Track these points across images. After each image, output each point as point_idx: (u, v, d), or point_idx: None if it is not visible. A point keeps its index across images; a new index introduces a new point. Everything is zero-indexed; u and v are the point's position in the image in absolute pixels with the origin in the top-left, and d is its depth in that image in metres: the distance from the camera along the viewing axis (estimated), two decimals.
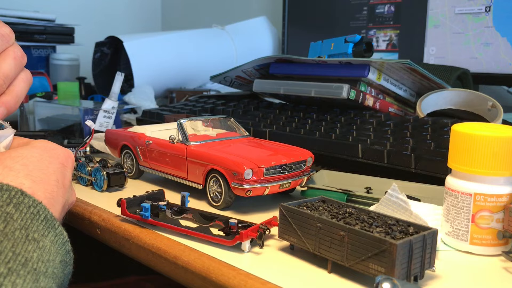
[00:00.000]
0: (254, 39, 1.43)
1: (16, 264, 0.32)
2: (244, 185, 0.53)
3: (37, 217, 0.36)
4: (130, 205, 0.52)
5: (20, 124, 0.99)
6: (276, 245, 0.47)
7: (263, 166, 0.54)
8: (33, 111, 0.99)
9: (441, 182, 0.51)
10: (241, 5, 1.64)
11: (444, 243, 0.47)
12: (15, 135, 0.47)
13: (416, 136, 0.65)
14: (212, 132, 0.65)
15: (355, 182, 0.60)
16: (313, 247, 0.42)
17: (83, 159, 0.67)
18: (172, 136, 0.62)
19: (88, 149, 0.79)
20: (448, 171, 0.47)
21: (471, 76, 0.93)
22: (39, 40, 1.33)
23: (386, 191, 0.47)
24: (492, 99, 0.75)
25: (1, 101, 0.48)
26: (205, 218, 0.52)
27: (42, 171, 0.41)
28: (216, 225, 0.50)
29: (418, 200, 0.52)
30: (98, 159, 0.67)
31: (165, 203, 0.53)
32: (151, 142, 0.65)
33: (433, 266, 0.40)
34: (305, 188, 0.58)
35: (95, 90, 1.32)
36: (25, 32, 1.30)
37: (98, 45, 1.31)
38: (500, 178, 0.44)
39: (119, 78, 0.89)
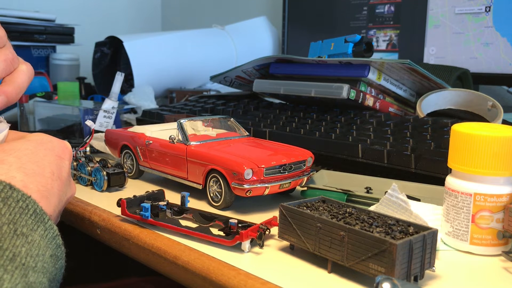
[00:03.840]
0: (254, 39, 1.43)
1: (3, 260, 0.31)
2: (244, 185, 0.53)
3: (26, 211, 0.36)
4: (130, 205, 0.52)
5: (20, 124, 0.99)
6: (276, 245, 0.47)
7: (263, 166, 0.54)
8: (33, 111, 0.99)
9: (441, 182, 0.51)
10: (241, 5, 1.64)
11: (444, 243, 0.47)
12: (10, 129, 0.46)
13: (416, 136, 0.65)
14: (212, 132, 0.65)
15: (355, 182, 0.60)
16: (313, 247, 0.42)
17: (83, 159, 0.67)
18: (172, 136, 0.62)
19: (88, 149, 0.79)
20: (448, 171, 0.47)
21: (471, 76, 0.93)
22: (39, 40, 1.33)
23: (386, 191, 0.47)
24: (492, 99, 0.75)
25: (1, 90, 0.47)
26: (205, 218, 0.52)
27: (36, 164, 0.41)
28: (216, 225, 0.50)
29: (418, 200, 0.52)
30: (98, 159, 0.67)
31: (165, 203, 0.53)
32: (151, 142, 0.65)
33: (433, 266, 0.40)
34: (305, 188, 0.58)
35: (95, 90, 1.32)
36: (25, 32, 1.30)
37: (98, 45, 1.31)
38: (500, 178, 0.44)
39: (119, 78, 0.89)
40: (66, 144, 0.47)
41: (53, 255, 0.37)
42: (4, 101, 0.47)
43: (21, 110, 0.99)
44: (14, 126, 1.01)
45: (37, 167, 0.41)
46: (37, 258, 0.34)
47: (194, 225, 0.50)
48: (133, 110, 1.11)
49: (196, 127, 0.64)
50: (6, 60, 0.48)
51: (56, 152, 0.44)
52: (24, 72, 0.50)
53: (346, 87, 0.71)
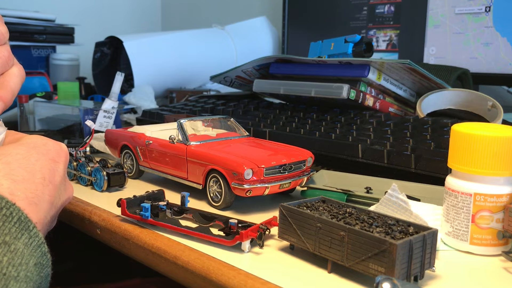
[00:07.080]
0: (254, 39, 1.43)
1: None
2: (244, 185, 0.53)
3: (10, 219, 0.35)
4: (130, 205, 0.52)
5: (20, 124, 0.99)
6: (276, 245, 0.47)
7: (263, 166, 0.54)
8: (33, 111, 0.99)
9: (441, 182, 0.51)
10: (241, 5, 1.64)
11: (444, 243, 0.47)
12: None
13: (416, 136, 0.65)
14: (212, 132, 0.65)
15: (355, 182, 0.60)
16: (313, 247, 0.42)
17: (83, 159, 0.67)
18: (172, 136, 0.62)
19: (88, 149, 0.79)
20: (448, 171, 0.47)
21: (471, 76, 0.93)
22: (39, 40, 1.33)
23: (386, 191, 0.47)
24: (492, 99, 0.75)
25: None
26: (205, 218, 0.52)
27: (26, 169, 0.40)
28: (216, 225, 0.50)
29: (418, 200, 0.52)
30: (98, 159, 0.67)
31: (165, 203, 0.53)
32: (151, 142, 0.65)
33: (433, 266, 0.40)
34: (305, 188, 0.58)
35: (95, 90, 1.32)
36: (25, 32, 1.30)
37: (98, 45, 1.31)
38: (500, 178, 0.44)
39: (119, 78, 0.89)
40: (61, 146, 0.46)
41: (38, 264, 0.36)
42: (1, 107, 0.47)
43: (21, 110, 0.99)
44: (14, 126, 1.01)
45: (27, 172, 0.40)
46: (19, 267, 0.33)
47: (194, 225, 0.50)
48: (133, 110, 1.11)
49: (196, 127, 0.64)
50: (1, 57, 0.47)
51: (50, 155, 0.44)
52: (16, 75, 0.49)
53: (346, 87, 0.71)
